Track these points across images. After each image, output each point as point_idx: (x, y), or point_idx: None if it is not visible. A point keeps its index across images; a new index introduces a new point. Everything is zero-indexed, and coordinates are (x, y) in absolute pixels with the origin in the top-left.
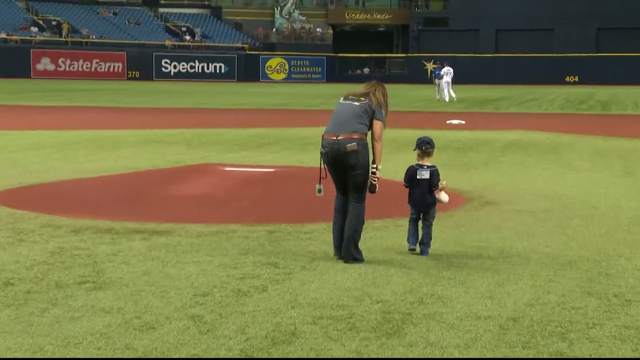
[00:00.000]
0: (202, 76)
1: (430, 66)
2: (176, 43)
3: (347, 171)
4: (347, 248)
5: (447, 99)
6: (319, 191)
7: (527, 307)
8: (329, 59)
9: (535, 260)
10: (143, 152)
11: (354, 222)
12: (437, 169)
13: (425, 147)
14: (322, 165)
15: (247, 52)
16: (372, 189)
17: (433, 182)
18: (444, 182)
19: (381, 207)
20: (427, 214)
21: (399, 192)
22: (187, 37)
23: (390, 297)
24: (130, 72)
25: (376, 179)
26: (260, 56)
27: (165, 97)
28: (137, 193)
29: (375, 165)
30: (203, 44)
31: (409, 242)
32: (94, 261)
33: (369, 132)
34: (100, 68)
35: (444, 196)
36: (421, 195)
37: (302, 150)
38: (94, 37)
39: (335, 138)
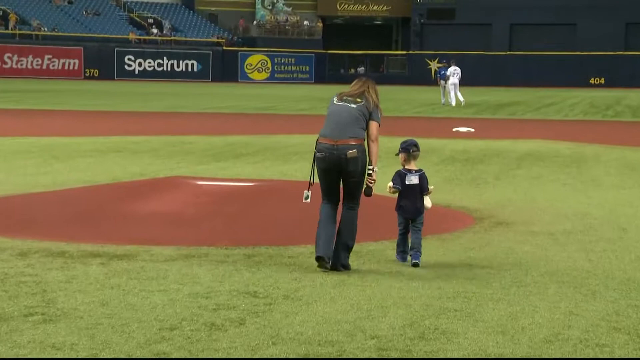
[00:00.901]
0: (171, 75)
1: (434, 65)
2: (142, 37)
3: (345, 178)
4: (338, 255)
5: (453, 103)
6: (307, 197)
7: (544, 344)
8: (318, 56)
9: (554, 290)
10: (102, 163)
11: (348, 228)
12: (424, 173)
13: (412, 149)
14: (313, 170)
15: (224, 48)
16: (369, 192)
17: (424, 187)
18: (432, 187)
19: (376, 227)
20: (415, 220)
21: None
22: (155, 31)
23: (386, 332)
24: (88, 71)
25: (372, 182)
26: (239, 53)
27: (128, 100)
28: (94, 210)
29: (371, 167)
30: (173, 38)
31: (398, 259)
32: (43, 289)
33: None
34: (53, 65)
35: (427, 201)
36: (412, 202)
37: (286, 161)
38: (45, 29)
39: (333, 143)
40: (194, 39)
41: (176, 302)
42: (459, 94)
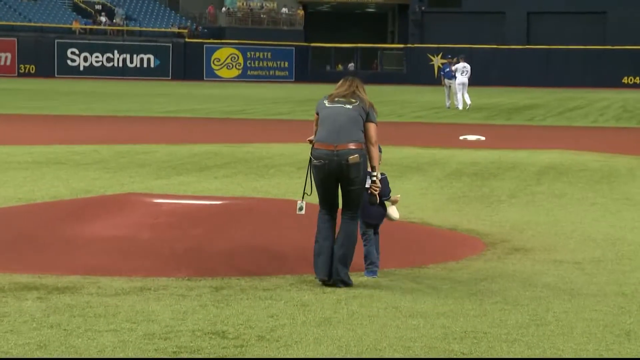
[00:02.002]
0: (123, 72)
1: (438, 62)
2: (87, 27)
3: (345, 185)
4: (337, 270)
5: (460, 106)
6: (301, 209)
7: None
8: (299, 50)
9: (581, 330)
10: (40, 177)
11: (346, 241)
12: (386, 177)
13: None
14: (309, 179)
15: (186, 39)
16: (374, 201)
17: (383, 192)
18: (398, 196)
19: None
20: (377, 227)
21: (395, 235)
22: (103, 19)
23: None
24: (22, 66)
25: (377, 189)
26: (205, 46)
27: (72, 101)
28: (30, 234)
29: (375, 174)
30: (125, 28)
31: (368, 272)
32: None
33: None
34: None
35: (394, 212)
36: (373, 209)
37: (261, 176)
38: None
39: (333, 149)
40: (150, 28)
41: (128, 344)
42: (466, 96)
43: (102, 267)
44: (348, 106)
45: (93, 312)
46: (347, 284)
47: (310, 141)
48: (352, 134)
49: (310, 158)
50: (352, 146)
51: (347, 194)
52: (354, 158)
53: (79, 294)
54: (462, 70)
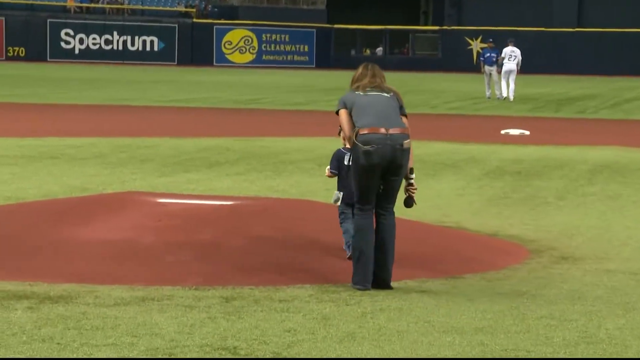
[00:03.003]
0: (123, 56)
1: (477, 46)
2: (84, 5)
3: (390, 175)
4: (386, 273)
5: (505, 94)
6: (337, 200)
7: None
8: (320, 32)
9: (637, 349)
10: (31, 174)
11: (393, 239)
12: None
13: None
14: (348, 168)
15: (194, 20)
16: (410, 203)
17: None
18: None
19: (398, 261)
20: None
21: (428, 241)
22: None
23: None
24: (10, 49)
25: (414, 190)
26: (215, 27)
27: (66, 88)
28: (20, 237)
29: (413, 176)
30: (126, 6)
31: (349, 249)
32: None
33: None
34: None
35: None
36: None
37: (278, 174)
38: None
39: (385, 132)
40: (154, 7)
41: None
42: (512, 86)
43: (100, 274)
44: (386, 94)
45: (90, 325)
46: (390, 286)
47: (354, 134)
48: (399, 121)
49: (357, 144)
50: (403, 131)
51: (390, 184)
52: (407, 143)
53: (74, 303)
54: (509, 55)
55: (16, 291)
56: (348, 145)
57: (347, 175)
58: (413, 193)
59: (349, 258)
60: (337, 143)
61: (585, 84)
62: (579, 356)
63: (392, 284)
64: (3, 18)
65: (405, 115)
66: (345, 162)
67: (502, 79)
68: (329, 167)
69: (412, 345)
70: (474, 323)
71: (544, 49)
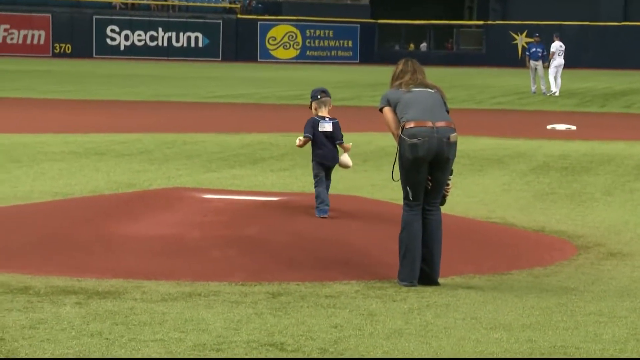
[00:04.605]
0: (168, 52)
1: (522, 41)
2: (129, 1)
3: (437, 169)
4: (433, 270)
5: (553, 90)
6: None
7: None
8: (364, 27)
9: None
10: (77, 169)
11: (440, 233)
12: (338, 121)
13: (320, 95)
14: (397, 164)
15: (239, 16)
16: (442, 202)
17: (336, 135)
18: (350, 144)
19: (445, 256)
20: (329, 171)
21: (474, 237)
22: None
23: None
24: (57, 46)
25: (449, 190)
26: (259, 23)
27: (112, 85)
28: (68, 233)
29: (450, 176)
30: (170, 2)
31: (319, 211)
32: (0, 338)
33: None
34: (12, 39)
35: (347, 159)
36: (325, 150)
37: None
38: None
39: (432, 125)
40: (199, 3)
41: (176, 355)
42: (558, 80)
43: (147, 269)
44: (431, 90)
45: (137, 320)
46: (438, 283)
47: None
48: (445, 115)
49: (403, 138)
50: (449, 124)
51: (437, 178)
52: (454, 136)
53: (122, 299)
54: (558, 50)
55: (64, 286)
56: (320, 114)
57: (321, 141)
58: (447, 193)
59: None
60: (384, 138)
61: (632, 79)
62: (629, 354)
63: (439, 280)
64: (50, 15)
65: (448, 112)
66: (320, 129)
67: (550, 75)
68: (301, 137)
69: (459, 341)
70: (522, 319)
71: (590, 43)
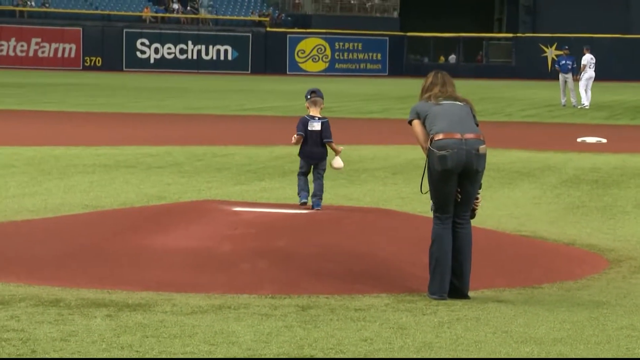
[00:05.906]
0: (198, 65)
1: (552, 53)
2: (159, 15)
3: (466, 182)
4: (464, 284)
5: (584, 102)
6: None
7: None
8: (393, 40)
9: None
10: (108, 182)
11: (470, 246)
12: (328, 121)
13: (311, 95)
14: (426, 176)
15: (268, 29)
16: (472, 216)
17: (325, 134)
18: (341, 148)
19: (476, 269)
20: (317, 166)
21: (505, 250)
22: (176, 6)
23: None
24: (88, 59)
25: (478, 204)
26: (288, 36)
27: (142, 97)
28: (98, 245)
29: (479, 190)
30: (200, 16)
31: (300, 197)
32: (32, 350)
33: None
34: (43, 52)
35: (338, 162)
36: (313, 147)
37: (352, 181)
38: (33, 4)
39: (460, 137)
40: (228, 17)
41: None
42: (589, 93)
43: (177, 282)
44: (460, 103)
45: (167, 333)
46: (468, 297)
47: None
48: (474, 127)
49: (433, 150)
50: (478, 137)
51: (466, 191)
52: (483, 148)
53: (152, 311)
54: (589, 63)
55: (95, 299)
56: (311, 113)
57: (308, 138)
58: (477, 207)
59: (301, 204)
60: (414, 151)
61: None
62: None
63: (469, 293)
64: (80, 28)
65: (477, 125)
66: (309, 128)
67: (581, 87)
68: (295, 135)
69: (489, 355)
70: (553, 333)
71: (620, 55)
